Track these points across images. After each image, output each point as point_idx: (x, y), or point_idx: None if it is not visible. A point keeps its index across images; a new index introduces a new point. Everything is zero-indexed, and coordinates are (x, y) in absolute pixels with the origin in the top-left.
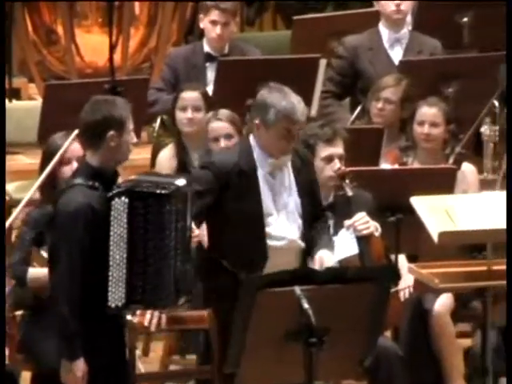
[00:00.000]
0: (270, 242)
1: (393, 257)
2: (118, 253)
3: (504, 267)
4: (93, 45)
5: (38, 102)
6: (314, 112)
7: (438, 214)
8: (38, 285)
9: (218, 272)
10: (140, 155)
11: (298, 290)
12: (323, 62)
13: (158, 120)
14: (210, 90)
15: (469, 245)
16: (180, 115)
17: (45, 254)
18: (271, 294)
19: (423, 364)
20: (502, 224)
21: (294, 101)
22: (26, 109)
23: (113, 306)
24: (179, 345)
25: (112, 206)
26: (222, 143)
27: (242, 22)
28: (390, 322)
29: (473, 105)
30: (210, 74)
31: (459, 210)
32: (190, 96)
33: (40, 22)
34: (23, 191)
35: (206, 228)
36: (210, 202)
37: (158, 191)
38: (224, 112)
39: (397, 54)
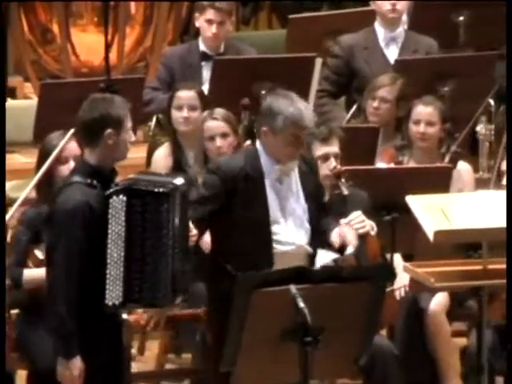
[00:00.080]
0: (277, 247)
1: (388, 256)
2: (115, 251)
3: (499, 266)
4: (88, 44)
5: (33, 101)
6: None
7: (433, 212)
8: (33, 286)
9: (221, 276)
10: (135, 154)
11: (293, 288)
12: (319, 61)
13: (154, 119)
14: (205, 88)
15: (464, 244)
16: (176, 114)
17: (39, 254)
18: (266, 293)
19: (419, 363)
20: (497, 223)
21: (302, 107)
22: (22, 108)
23: (110, 304)
24: (175, 344)
25: (110, 203)
26: (218, 142)
27: (237, 21)
28: (385, 321)
29: (468, 104)
30: (206, 73)
31: (455, 208)
32: (185, 95)
33: (35, 21)
34: (19, 190)
35: (210, 233)
36: (215, 208)
37: (156, 190)
38: (219, 111)
39: (392, 53)
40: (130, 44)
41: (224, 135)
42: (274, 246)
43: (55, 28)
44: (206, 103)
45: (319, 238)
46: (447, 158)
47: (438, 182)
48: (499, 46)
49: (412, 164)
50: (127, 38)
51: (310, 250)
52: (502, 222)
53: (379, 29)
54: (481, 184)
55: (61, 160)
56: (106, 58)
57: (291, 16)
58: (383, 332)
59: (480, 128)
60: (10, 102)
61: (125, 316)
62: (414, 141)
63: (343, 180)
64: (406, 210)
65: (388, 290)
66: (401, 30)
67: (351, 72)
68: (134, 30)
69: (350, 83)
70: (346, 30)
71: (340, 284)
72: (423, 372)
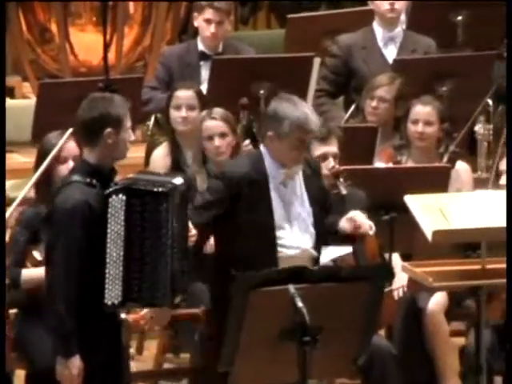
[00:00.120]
0: (282, 251)
1: (387, 255)
2: (114, 250)
3: (498, 266)
4: (87, 43)
5: (32, 101)
6: None
7: (431, 212)
8: (31, 285)
9: (225, 280)
10: (134, 153)
11: (291, 288)
12: (317, 61)
13: (152, 118)
14: (204, 88)
15: (463, 243)
16: (174, 114)
17: (37, 255)
18: (265, 293)
19: (417, 363)
20: (496, 222)
21: (307, 111)
22: (20, 107)
23: (109, 303)
24: (173, 343)
25: (109, 203)
26: (216, 142)
27: (236, 21)
28: (383, 321)
29: (467, 103)
30: (204, 73)
31: (453, 208)
32: (184, 95)
33: (34, 20)
34: (18, 190)
35: (214, 237)
36: (219, 213)
37: (156, 189)
38: (218, 111)
39: (391, 53)
40: (128, 44)
41: (222, 135)
42: (279, 249)
43: (54, 27)
44: (205, 103)
45: (325, 235)
46: (445, 158)
47: (436, 181)
48: (498, 46)
49: (410, 164)
50: (126, 37)
51: (314, 253)
52: (500, 222)
53: (377, 28)
54: (479, 184)
55: (60, 160)
56: (105, 57)
57: (289, 16)
58: (382, 332)
59: (478, 128)
60: (8, 102)
61: (123, 316)
62: (412, 140)
63: (341, 180)
64: (405, 210)
65: (386, 290)
66: (399, 29)
67: (349, 72)
68: (132, 30)
69: (349, 83)
70: (344, 30)
71: (338, 284)
72: (421, 372)
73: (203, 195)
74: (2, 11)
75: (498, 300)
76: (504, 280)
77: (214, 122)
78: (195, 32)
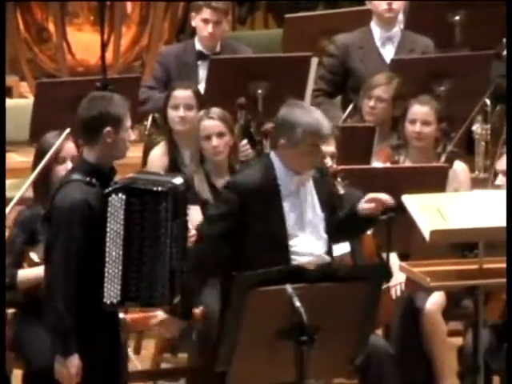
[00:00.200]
0: (296, 259)
1: (384, 255)
2: (114, 249)
3: (495, 265)
4: (84, 43)
5: (29, 100)
6: None
7: (429, 212)
8: (28, 286)
9: None
10: (132, 153)
11: (289, 288)
12: (315, 61)
13: (150, 118)
14: (201, 88)
15: (460, 243)
16: (172, 113)
17: (35, 256)
18: (263, 293)
19: (414, 362)
20: (493, 222)
21: (318, 116)
22: (18, 107)
23: (108, 302)
24: (171, 343)
25: (109, 202)
26: (214, 141)
27: (233, 21)
28: (381, 321)
29: (464, 103)
30: (202, 73)
31: (451, 208)
32: (182, 94)
33: (31, 19)
34: (15, 189)
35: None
36: (231, 224)
37: (155, 189)
38: (216, 110)
39: (388, 53)
40: (126, 43)
41: (220, 134)
42: (293, 257)
43: (51, 27)
44: (202, 102)
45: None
46: (443, 158)
47: (434, 181)
48: (495, 46)
49: (408, 163)
50: (123, 37)
51: (327, 259)
52: (498, 222)
53: (375, 28)
54: (477, 183)
55: (58, 160)
56: (102, 57)
57: (287, 15)
58: (379, 332)
59: (476, 128)
60: (5, 101)
61: (121, 315)
62: (410, 140)
63: (339, 179)
64: (402, 210)
65: (384, 287)
66: (397, 29)
67: (347, 71)
68: (130, 30)
69: (346, 82)
70: (341, 30)
71: (336, 283)
72: (419, 371)
73: (215, 207)
74: (2, 11)
75: (495, 300)
76: (501, 280)
77: (212, 122)
78: (193, 32)
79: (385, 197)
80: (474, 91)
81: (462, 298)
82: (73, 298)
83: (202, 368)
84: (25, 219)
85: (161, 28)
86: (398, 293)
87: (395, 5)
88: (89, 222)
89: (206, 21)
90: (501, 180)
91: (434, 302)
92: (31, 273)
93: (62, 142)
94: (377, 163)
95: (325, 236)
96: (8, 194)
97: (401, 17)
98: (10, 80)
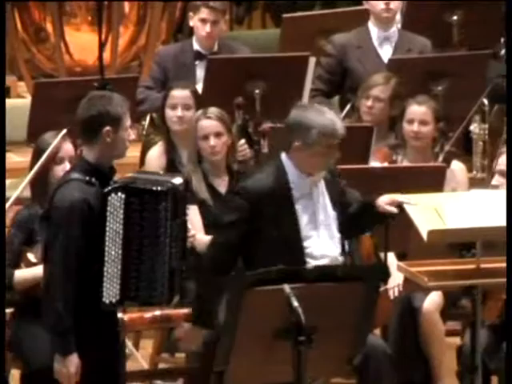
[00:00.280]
0: (311, 262)
1: (382, 255)
2: (113, 249)
3: (493, 265)
4: (82, 43)
5: (27, 100)
6: None
7: (427, 212)
8: (25, 286)
9: None
10: (129, 153)
11: (287, 288)
12: (312, 60)
13: (148, 118)
14: (199, 88)
15: (458, 243)
16: (170, 113)
17: (32, 257)
18: (260, 292)
19: (412, 362)
20: (491, 222)
21: (332, 117)
22: (16, 107)
23: (107, 302)
24: (168, 343)
25: (108, 201)
26: (212, 141)
27: (231, 21)
28: (379, 321)
29: (462, 103)
30: (200, 72)
31: (448, 208)
32: (180, 94)
33: (29, 19)
34: (13, 189)
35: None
36: (244, 231)
37: (155, 188)
38: (213, 110)
39: (386, 53)
40: (123, 43)
41: (218, 134)
42: (308, 260)
43: (49, 27)
44: (200, 102)
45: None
46: (441, 158)
47: (431, 181)
48: (492, 46)
49: (406, 163)
50: (121, 37)
51: (341, 259)
52: (496, 222)
53: (373, 28)
54: (474, 183)
55: (56, 160)
56: (100, 57)
57: (285, 15)
58: (377, 331)
59: (474, 127)
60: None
61: (120, 315)
62: (407, 140)
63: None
64: (400, 209)
65: (382, 289)
66: (394, 29)
67: (344, 71)
68: (127, 30)
69: (344, 82)
70: (339, 29)
71: (334, 283)
72: (416, 371)
73: (226, 214)
74: (2, 11)
75: (493, 300)
76: (499, 279)
77: (209, 122)
78: (190, 31)
79: (401, 198)
80: (472, 91)
81: (459, 298)
82: (72, 297)
83: (200, 368)
84: (23, 219)
85: (158, 28)
86: (396, 293)
87: (393, 4)
88: (88, 221)
89: (203, 20)
90: (497, 180)
91: (432, 301)
92: (28, 273)
93: (60, 143)
94: (374, 163)
95: (338, 235)
96: (6, 194)
97: (398, 16)
98: (8, 80)
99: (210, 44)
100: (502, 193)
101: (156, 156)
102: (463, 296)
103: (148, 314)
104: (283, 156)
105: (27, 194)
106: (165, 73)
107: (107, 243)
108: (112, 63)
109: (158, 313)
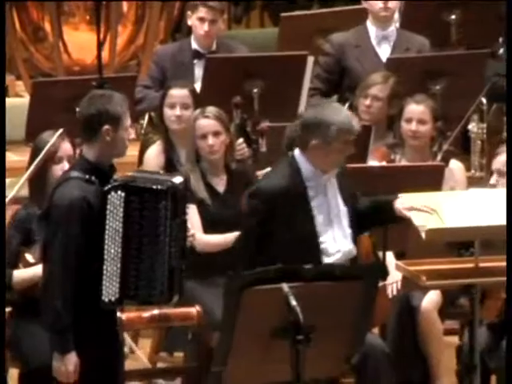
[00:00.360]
0: (326, 260)
1: (380, 254)
2: (113, 247)
3: (491, 264)
4: (80, 42)
5: (25, 100)
6: (302, 109)
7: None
8: (23, 287)
9: None
10: (128, 152)
11: (285, 287)
12: (311, 59)
13: (146, 117)
14: (197, 87)
15: (456, 242)
16: (168, 112)
17: (30, 257)
18: (258, 292)
19: (410, 361)
20: (489, 221)
21: (348, 113)
22: (14, 106)
23: (106, 300)
24: (167, 342)
25: (108, 199)
26: (210, 140)
27: (229, 20)
28: (377, 320)
29: (460, 102)
30: (198, 71)
31: (447, 207)
32: (178, 93)
33: (27, 19)
34: (11, 188)
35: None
36: (262, 232)
37: (155, 187)
38: (211, 109)
39: (384, 52)
40: (121, 42)
41: (216, 133)
42: (323, 257)
43: (47, 26)
44: (198, 101)
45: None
46: (439, 157)
47: (430, 180)
48: (491, 45)
49: (404, 162)
50: (119, 36)
51: (354, 252)
52: (494, 221)
53: (371, 27)
54: (473, 182)
55: (54, 160)
56: (98, 56)
57: (283, 14)
58: (375, 330)
59: (472, 126)
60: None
61: (118, 314)
62: (405, 139)
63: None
64: None
65: (380, 284)
66: (393, 28)
67: (342, 70)
68: (125, 29)
69: (342, 81)
70: (337, 29)
71: (332, 282)
72: (415, 370)
73: (244, 221)
74: (1, 11)
75: (491, 299)
76: (497, 278)
77: (208, 121)
78: (189, 31)
79: (419, 206)
80: (470, 90)
81: (458, 297)
82: (71, 296)
83: (198, 367)
84: (20, 219)
85: (156, 27)
86: (395, 292)
87: (391, 4)
88: (88, 219)
89: (201, 19)
90: (495, 179)
91: (430, 300)
92: (26, 273)
93: (58, 142)
94: (373, 162)
95: (349, 230)
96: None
97: (396, 16)
98: (6, 79)
99: (209, 43)
100: (501, 192)
101: (154, 155)
102: (461, 295)
103: (146, 314)
104: (297, 154)
105: (25, 193)
106: (163, 72)
107: (107, 241)
108: (110, 62)
109: (156, 312)
